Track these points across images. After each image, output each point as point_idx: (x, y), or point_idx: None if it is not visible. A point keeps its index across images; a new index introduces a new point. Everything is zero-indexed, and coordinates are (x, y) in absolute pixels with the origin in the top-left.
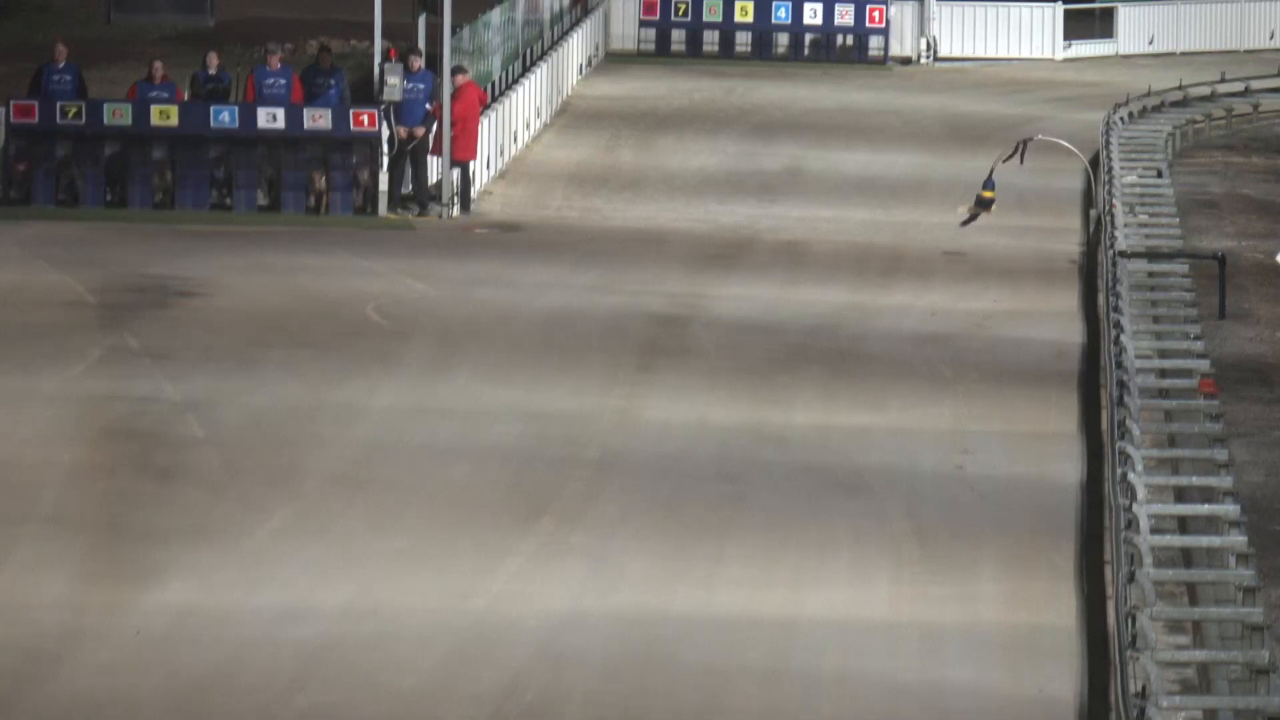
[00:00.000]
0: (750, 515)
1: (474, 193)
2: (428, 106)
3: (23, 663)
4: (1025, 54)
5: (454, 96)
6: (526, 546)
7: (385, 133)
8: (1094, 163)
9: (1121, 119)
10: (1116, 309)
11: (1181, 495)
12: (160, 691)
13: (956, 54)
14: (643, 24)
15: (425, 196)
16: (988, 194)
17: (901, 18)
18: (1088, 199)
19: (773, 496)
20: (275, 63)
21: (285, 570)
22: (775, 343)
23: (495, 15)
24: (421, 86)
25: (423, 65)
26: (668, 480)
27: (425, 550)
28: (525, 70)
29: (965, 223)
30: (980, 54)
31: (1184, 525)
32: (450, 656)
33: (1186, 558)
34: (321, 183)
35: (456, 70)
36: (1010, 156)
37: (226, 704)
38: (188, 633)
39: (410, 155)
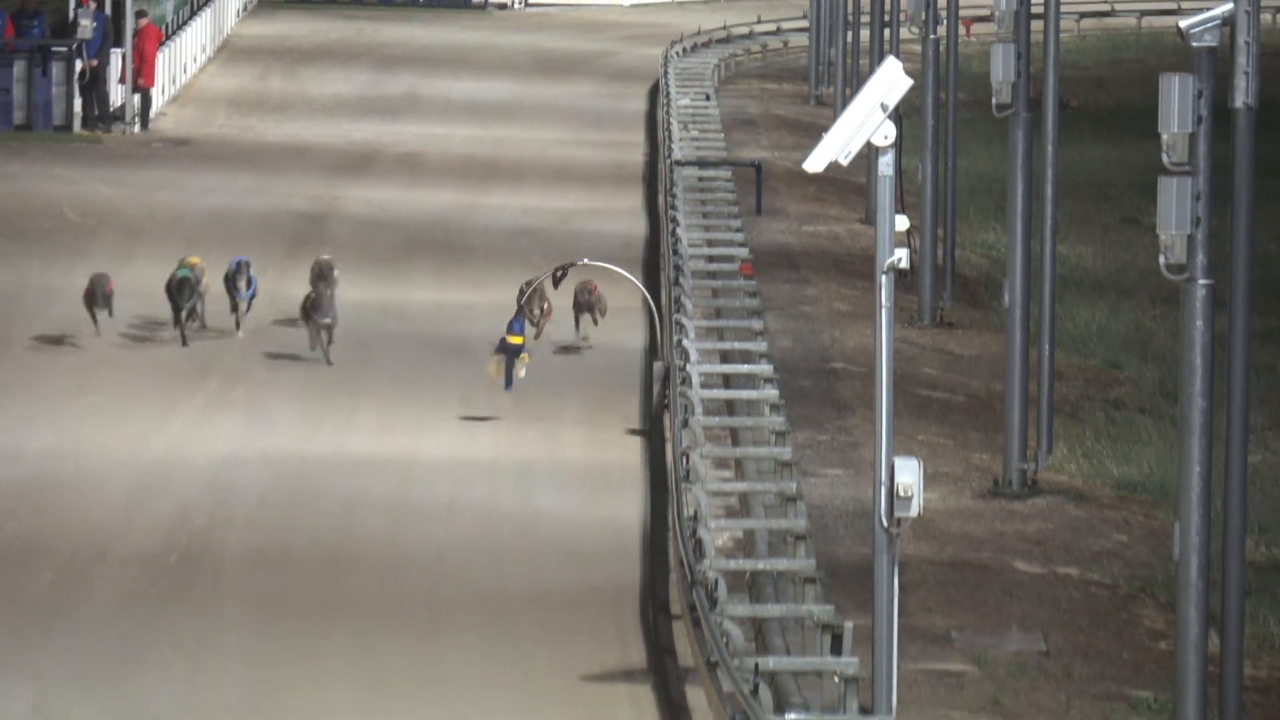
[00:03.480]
0: (378, 375)
1: (152, 114)
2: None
3: None
4: (601, 1)
5: (136, 34)
6: (197, 401)
7: (79, 65)
8: (654, 90)
9: (677, 53)
10: (673, 207)
11: (725, 357)
12: None
13: (545, 0)
14: None
15: (110, 116)
16: (514, 339)
17: None
18: (651, 118)
19: (396, 360)
20: None
21: None
22: (397, 236)
23: None
24: (97, 25)
25: (100, 9)
26: (311, 345)
27: (113, 404)
28: (193, 14)
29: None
30: (564, 0)
31: (728, 381)
32: (134, 490)
33: (730, 408)
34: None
35: (139, 14)
36: (551, 278)
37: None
38: None
39: (93, 82)
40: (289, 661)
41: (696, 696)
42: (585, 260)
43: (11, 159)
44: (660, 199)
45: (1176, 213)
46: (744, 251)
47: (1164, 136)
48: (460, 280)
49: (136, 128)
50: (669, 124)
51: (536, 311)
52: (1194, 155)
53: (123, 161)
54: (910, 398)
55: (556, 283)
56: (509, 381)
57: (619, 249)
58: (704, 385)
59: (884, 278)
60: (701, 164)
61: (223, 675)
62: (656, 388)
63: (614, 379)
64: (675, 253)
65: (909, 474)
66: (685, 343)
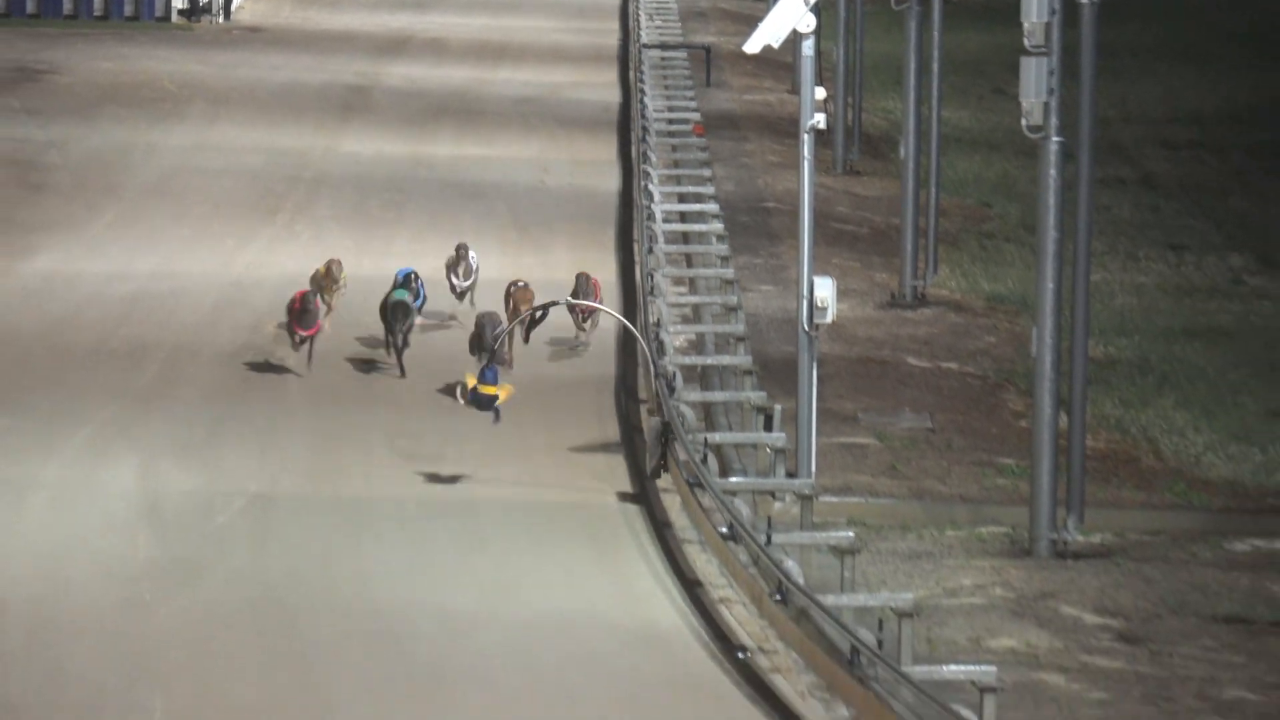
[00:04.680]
0: (411, 212)
1: (232, 8)
2: None
3: None
4: None
5: None
6: (268, 232)
7: None
8: None
9: None
10: (641, 81)
11: (682, 198)
12: (34, 327)
13: None
14: None
15: (199, 10)
16: (486, 388)
17: None
18: (624, 12)
19: (425, 200)
20: None
21: (113, 249)
22: (425, 103)
23: None
24: None
25: None
26: (358, 190)
27: (204, 235)
28: None
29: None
30: None
31: (683, 217)
32: (219, 302)
33: (685, 238)
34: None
35: None
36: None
37: (76, 335)
38: (51, 289)
39: None
40: (339, 437)
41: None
42: (564, 301)
43: (123, 43)
44: (630, 74)
45: (1035, 85)
46: (696, 115)
47: (1025, 25)
48: (475, 138)
49: (220, 19)
50: (637, 15)
51: (508, 355)
52: (1049, 40)
53: (209, 45)
54: (826, 230)
55: (536, 323)
56: (496, 415)
57: (600, 113)
58: (664, 220)
59: (806, 136)
60: (663, 47)
61: (288, 448)
62: (651, 442)
63: (594, 214)
64: (643, 116)
65: (825, 290)
66: (650, 187)
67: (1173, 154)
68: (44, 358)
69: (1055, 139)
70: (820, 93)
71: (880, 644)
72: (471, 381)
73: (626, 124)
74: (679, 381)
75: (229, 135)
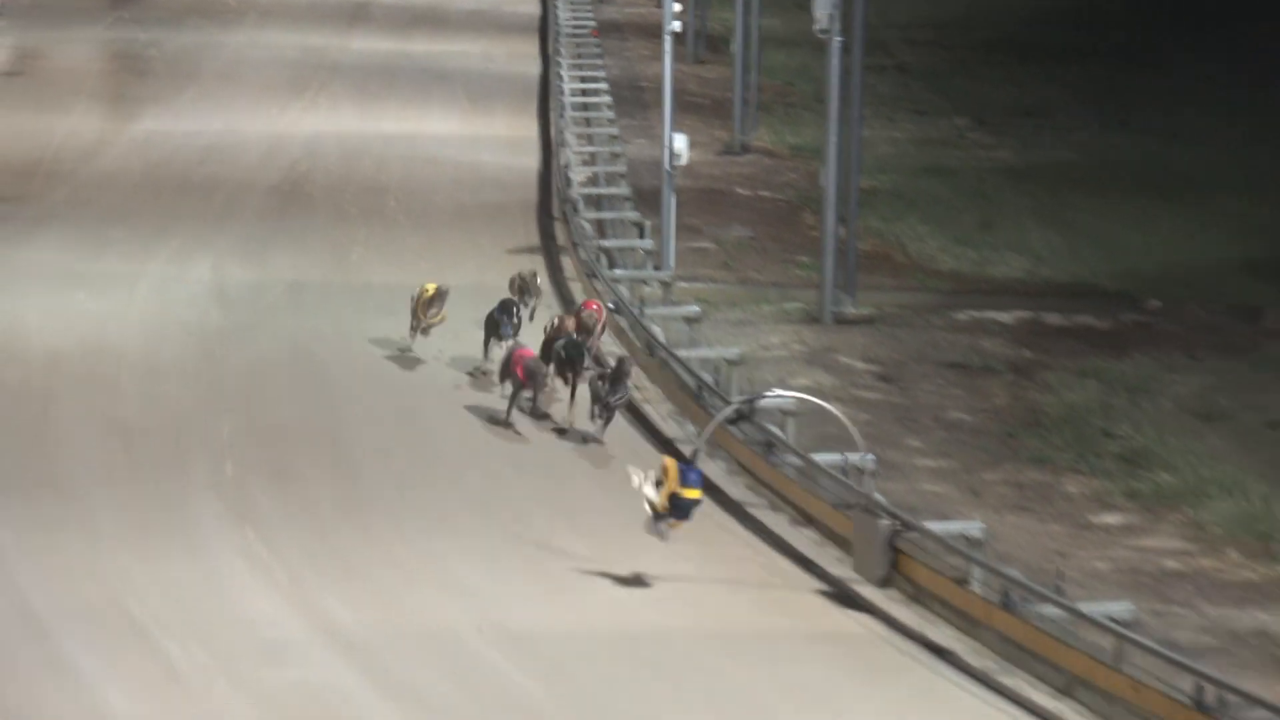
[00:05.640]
0: (399, 89)
1: None
2: None
3: (77, 158)
4: None
5: None
6: (299, 104)
7: None
8: None
9: None
10: (555, 2)
11: (583, 80)
12: (139, 167)
13: None
14: None
15: None
16: (690, 492)
17: None
18: None
19: (408, 81)
20: None
21: (192, 115)
22: (406, 16)
23: None
24: None
25: None
26: (363, 74)
27: (258, 103)
28: None
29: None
30: None
31: (584, 93)
32: (268, 150)
33: (584, 107)
34: None
35: None
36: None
37: (168, 173)
38: (151, 141)
39: None
40: (351, 243)
41: (566, 261)
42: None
43: None
44: None
45: (823, 1)
46: (593, 22)
47: None
48: (441, 39)
49: None
50: None
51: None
52: None
53: None
54: (681, 102)
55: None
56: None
57: (527, 22)
58: (571, 95)
59: (667, 37)
60: None
61: (315, 250)
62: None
63: (523, 92)
64: (555, 23)
65: (681, 143)
66: (560, 70)
67: (918, 48)
68: (147, 189)
69: (837, 39)
70: (676, 7)
71: (716, 382)
72: (671, 486)
73: (545, 30)
74: (580, 205)
75: (272, 37)
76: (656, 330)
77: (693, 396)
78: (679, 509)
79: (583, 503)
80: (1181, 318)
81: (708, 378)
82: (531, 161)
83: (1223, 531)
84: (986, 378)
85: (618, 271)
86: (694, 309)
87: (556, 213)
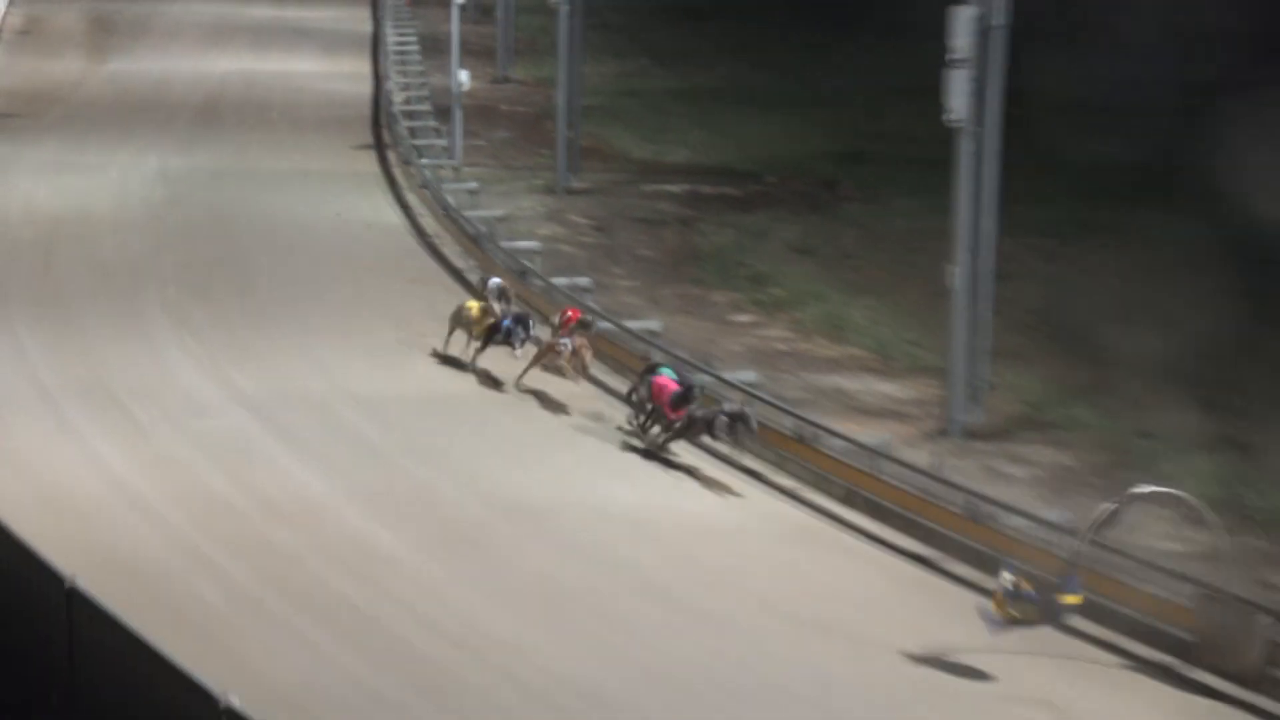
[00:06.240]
0: (278, 42)
1: None
2: None
3: (68, 88)
4: None
5: None
6: (215, 52)
7: None
8: None
9: None
10: None
11: (400, 35)
12: (109, 95)
13: None
14: None
15: None
16: (1071, 599)
17: None
18: None
19: (284, 37)
20: None
21: (146, 59)
22: None
23: None
24: None
25: None
26: (255, 33)
27: (188, 51)
28: None
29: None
30: None
31: (402, 43)
32: (194, 83)
33: (401, 52)
34: None
35: None
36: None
37: (130, 96)
38: (117, 77)
39: None
40: (249, 142)
41: (390, 155)
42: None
43: None
44: None
45: None
46: None
47: None
48: (306, 8)
49: None
50: None
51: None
52: None
53: None
54: (466, 48)
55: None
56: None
57: None
58: (391, 46)
59: (455, 7)
60: None
61: (225, 146)
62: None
63: (358, 42)
64: None
65: (464, 75)
66: (385, 30)
67: (618, 11)
68: (115, 109)
69: (565, 5)
70: None
71: (490, 233)
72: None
73: (375, 2)
74: (400, 119)
75: (199, 8)
76: (450, 199)
77: (473, 241)
78: (1045, 612)
79: (410, 314)
80: (787, 188)
81: (484, 229)
82: (366, 89)
83: (812, 326)
84: (663, 228)
85: (423, 160)
86: (474, 185)
87: (383, 122)
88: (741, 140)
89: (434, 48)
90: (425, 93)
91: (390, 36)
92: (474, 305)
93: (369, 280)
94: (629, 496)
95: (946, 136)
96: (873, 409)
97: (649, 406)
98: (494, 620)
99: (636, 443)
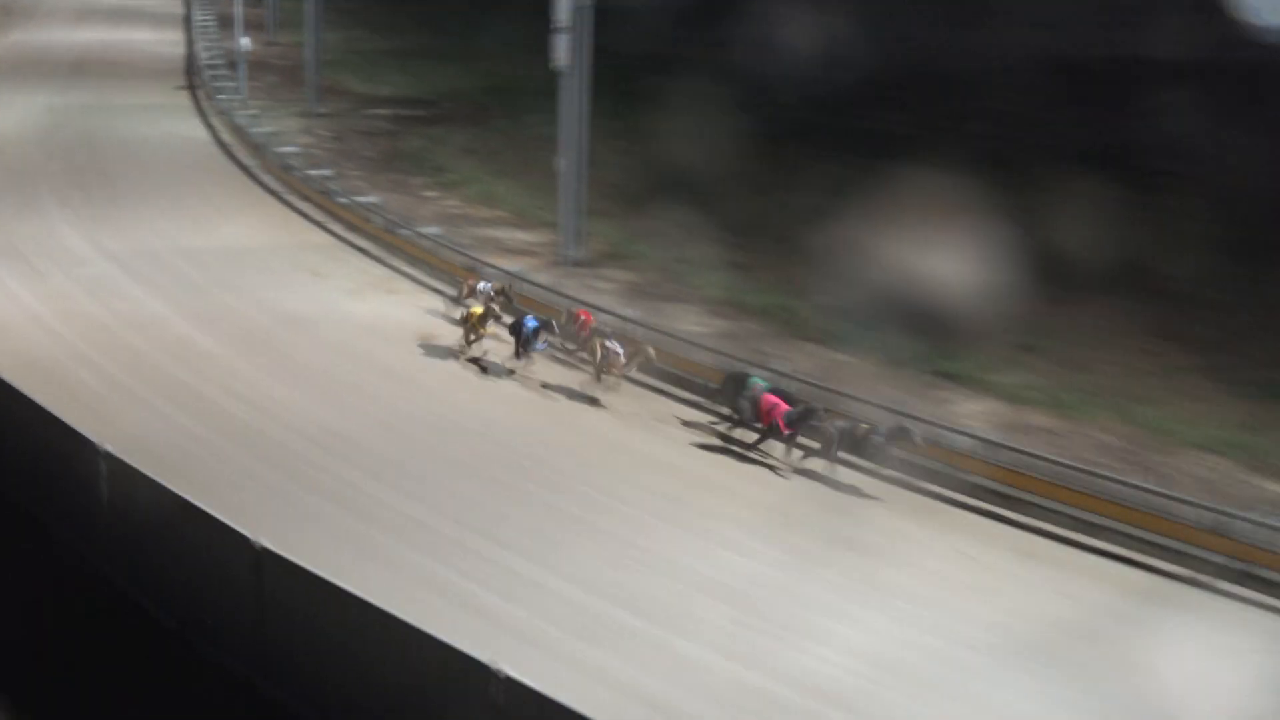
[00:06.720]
0: (124, 20)
1: None
2: None
3: None
4: None
5: None
6: (83, 26)
7: None
8: None
9: None
10: None
11: (204, 15)
12: (11, 57)
13: None
14: None
15: None
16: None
17: None
18: None
19: (127, 17)
20: None
21: (36, 31)
22: None
23: None
24: None
25: None
26: (108, 13)
27: (64, 25)
28: None
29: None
30: None
31: (204, 21)
32: (68, 47)
33: (205, 27)
34: None
35: None
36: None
37: (25, 57)
38: (16, 44)
39: None
40: (105, 86)
41: (200, 94)
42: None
43: None
44: None
45: None
46: None
47: None
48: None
49: None
50: None
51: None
52: None
53: None
54: (248, 21)
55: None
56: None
57: None
58: (197, 22)
59: None
60: None
61: (90, 89)
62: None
63: (177, 24)
64: None
65: (246, 41)
66: (193, 12)
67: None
68: (15, 66)
69: None
70: None
71: (265, 143)
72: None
73: None
74: (205, 71)
75: None
76: (239, 121)
77: (255, 148)
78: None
79: (215, 195)
80: (457, 111)
81: (262, 140)
82: (181, 51)
83: (475, 198)
84: (378, 137)
85: (220, 98)
86: (254, 112)
87: (194, 71)
88: (427, 81)
89: (225, 23)
90: (219, 52)
91: (196, 15)
92: (476, 309)
93: (188, 173)
94: (363, 310)
95: (554, 77)
96: (514, 249)
97: (759, 426)
98: (279, 391)
99: (373, 272)
